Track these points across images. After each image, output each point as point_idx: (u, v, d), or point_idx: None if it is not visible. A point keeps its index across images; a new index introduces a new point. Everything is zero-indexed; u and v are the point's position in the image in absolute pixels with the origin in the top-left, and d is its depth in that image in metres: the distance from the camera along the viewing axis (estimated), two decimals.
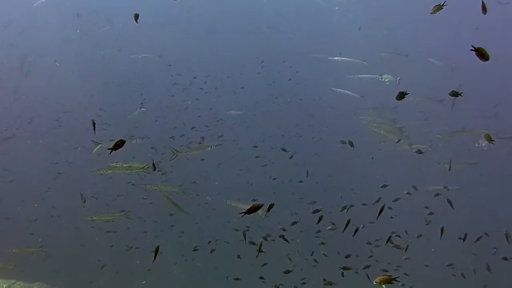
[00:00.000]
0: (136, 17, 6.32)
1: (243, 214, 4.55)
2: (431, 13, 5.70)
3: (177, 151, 8.47)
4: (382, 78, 10.09)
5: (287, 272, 7.31)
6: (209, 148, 8.70)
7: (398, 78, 10.03)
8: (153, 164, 6.08)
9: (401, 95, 6.22)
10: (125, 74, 16.40)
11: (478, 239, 9.31)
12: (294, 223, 9.35)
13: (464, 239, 8.46)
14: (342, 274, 9.64)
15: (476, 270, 9.82)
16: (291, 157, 11.78)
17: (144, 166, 8.06)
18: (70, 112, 15.41)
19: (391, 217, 10.18)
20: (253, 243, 9.07)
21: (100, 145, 8.35)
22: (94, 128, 6.97)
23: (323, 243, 9.94)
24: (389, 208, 9.92)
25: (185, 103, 14.90)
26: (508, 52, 16.15)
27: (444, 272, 10.29)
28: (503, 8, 15.39)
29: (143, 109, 13.42)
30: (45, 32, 17.75)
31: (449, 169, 9.78)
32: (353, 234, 7.81)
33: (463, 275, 9.79)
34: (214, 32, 19.29)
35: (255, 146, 12.76)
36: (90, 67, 16.80)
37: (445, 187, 9.18)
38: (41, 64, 16.71)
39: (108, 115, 14.71)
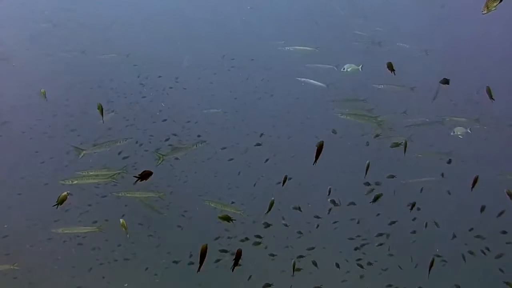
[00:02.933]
0: None
1: (314, 162, 4.62)
2: None
3: (162, 155, 8.09)
4: (344, 69, 9.81)
5: (267, 285, 7.14)
6: (194, 147, 8.36)
7: (360, 66, 9.80)
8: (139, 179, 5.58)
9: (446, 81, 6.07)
10: (94, 76, 15.69)
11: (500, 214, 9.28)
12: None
13: (482, 210, 8.48)
14: (337, 265, 9.62)
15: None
16: (266, 160, 11.67)
17: (113, 175, 7.65)
18: (39, 119, 14.76)
19: (378, 214, 10.16)
20: (225, 251, 8.90)
21: (84, 152, 7.97)
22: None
23: (312, 248, 9.82)
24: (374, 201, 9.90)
25: (156, 103, 14.41)
26: (477, 37, 16.22)
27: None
28: None
29: (114, 113, 12.86)
30: (10, 32, 16.86)
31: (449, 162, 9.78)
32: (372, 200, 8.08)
33: (463, 256, 9.72)
34: (184, 28, 18.66)
35: (224, 148, 12.48)
36: (56, 68, 16.03)
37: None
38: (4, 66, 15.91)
39: (77, 120, 14.20)
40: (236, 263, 4.58)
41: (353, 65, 9.66)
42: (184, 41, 17.65)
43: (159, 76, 14.51)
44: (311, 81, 11.51)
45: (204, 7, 18.56)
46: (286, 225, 10.30)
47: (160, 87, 14.88)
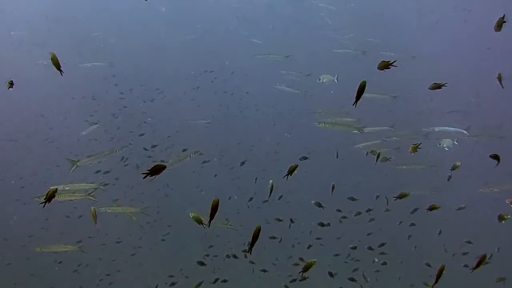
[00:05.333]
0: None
1: (355, 103, 4.76)
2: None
3: None
4: (320, 79, 9.70)
5: None
6: (188, 157, 8.05)
7: (336, 77, 9.70)
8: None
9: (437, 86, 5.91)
10: (75, 86, 15.27)
11: None
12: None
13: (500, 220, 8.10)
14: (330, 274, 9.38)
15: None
16: (255, 180, 11.45)
17: (91, 192, 7.30)
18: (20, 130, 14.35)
19: (368, 234, 9.96)
20: (202, 264, 9.01)
21: (77, 163, 7.52)
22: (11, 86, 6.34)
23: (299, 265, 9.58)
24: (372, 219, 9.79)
25: (139, 116, 14.08)
26: (466, 45, 16.28)
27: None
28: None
29: (97, 125, 12.51)
30: None
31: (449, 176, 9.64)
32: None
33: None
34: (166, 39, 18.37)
35: (205, 161, 12.19)
36: (37, 78, 15.59)
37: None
38: None
39: (59, 132, 13.81)
40: (252, 245, 4.40)
41: (328, 75, 9.55)
42: (167, 51, 17.40)
43: (141, 85, 14.20)
44: (287, 88, 11.55)
45: (185, 19, 18.41)
46: (274, 238, 10.10)
47: (141, 99, 14.58)
